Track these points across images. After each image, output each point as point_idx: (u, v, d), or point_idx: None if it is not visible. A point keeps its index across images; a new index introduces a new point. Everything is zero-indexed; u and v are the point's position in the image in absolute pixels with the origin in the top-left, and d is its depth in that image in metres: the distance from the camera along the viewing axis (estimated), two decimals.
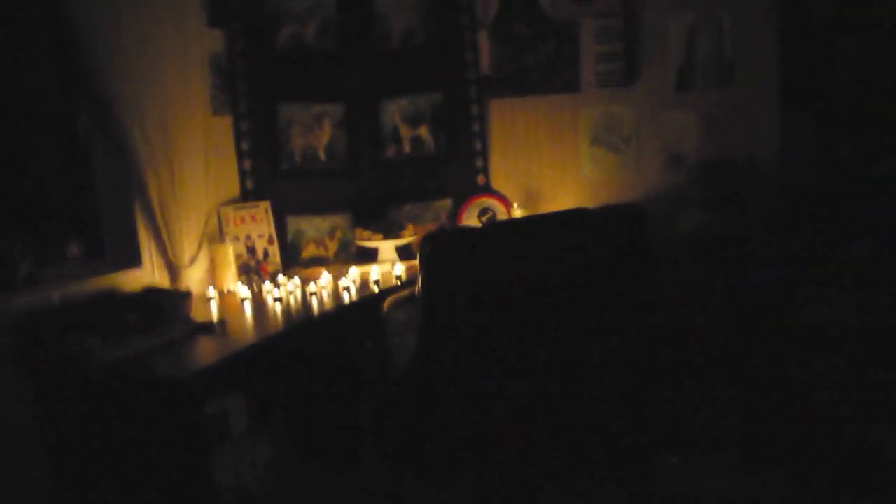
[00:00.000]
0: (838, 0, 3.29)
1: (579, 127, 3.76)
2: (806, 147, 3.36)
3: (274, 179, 3.71)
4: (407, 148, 3.93)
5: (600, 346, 2.22)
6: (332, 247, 3.81)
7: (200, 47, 3.25)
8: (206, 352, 2.55)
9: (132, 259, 3.07)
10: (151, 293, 2.87)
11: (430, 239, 2.13)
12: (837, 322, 3.04)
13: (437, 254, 2.07)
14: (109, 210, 3.10)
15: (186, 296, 2.93)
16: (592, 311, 2.18)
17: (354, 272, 3.48)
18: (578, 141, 3.77)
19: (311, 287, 3.25)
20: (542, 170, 3.88)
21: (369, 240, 3.66)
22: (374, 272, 3.45)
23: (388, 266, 3.58)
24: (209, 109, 3.33)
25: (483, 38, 3.81)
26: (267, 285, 3.30)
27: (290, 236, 3.75)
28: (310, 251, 3.77)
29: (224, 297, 3.27)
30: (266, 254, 3.63)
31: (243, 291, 3.25)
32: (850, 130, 3.31)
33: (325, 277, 3.40)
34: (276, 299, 3.16)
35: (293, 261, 3.71)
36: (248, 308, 3.16)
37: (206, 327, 2.77)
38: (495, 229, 2.73)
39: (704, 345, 2.93)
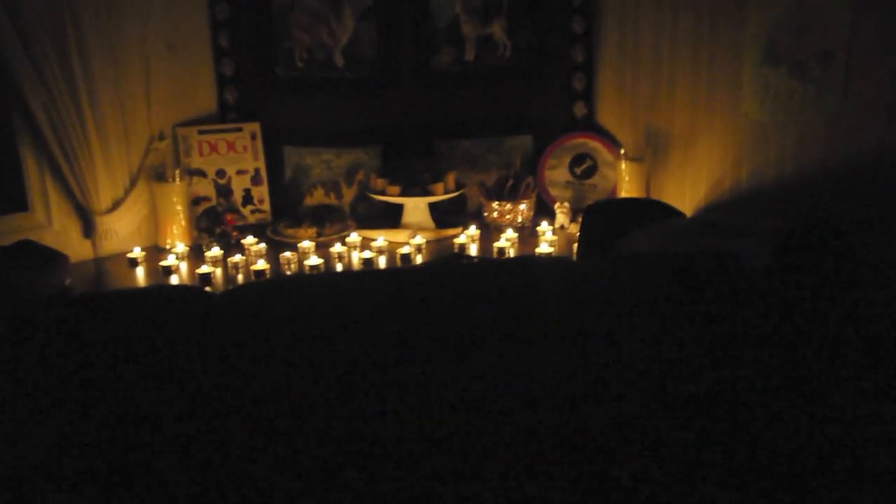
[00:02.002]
0: None
1: (745, 29, 2.18)
2: None
3: (267, 92, 2.59)
4: (471, 54, 2.61)
5: None
6: (349, 195, 2.66)
7: None
8: None
9: (14, 199, 2.18)
10: None
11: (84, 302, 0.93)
12: None
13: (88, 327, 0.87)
14: None
15: (54, 259, 1.98)
16: None
17: (352, 240, 2.35)
18: (741, 54, 2.20)
19: (259, 263, 2.18)
20: (677, 100, 2.39)
21: (383, 192, 2.46)
22: (379, 242, 2.30)
23: (404, 235, 2.39)
24: None
25: None
26: (215, 250, 2.27)
27: (288, 174, 2.65)
28: (316, 197, 2.65)
29: (156, 260, 2.30)
30: (248, 198, 2.59)
31: (170, 257, 2.26)
32: None
33: (305, 246, 2.30)
34: (202, 277, 2.12)
35: (291, 210, 2.62)
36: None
37: None
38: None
39: None
